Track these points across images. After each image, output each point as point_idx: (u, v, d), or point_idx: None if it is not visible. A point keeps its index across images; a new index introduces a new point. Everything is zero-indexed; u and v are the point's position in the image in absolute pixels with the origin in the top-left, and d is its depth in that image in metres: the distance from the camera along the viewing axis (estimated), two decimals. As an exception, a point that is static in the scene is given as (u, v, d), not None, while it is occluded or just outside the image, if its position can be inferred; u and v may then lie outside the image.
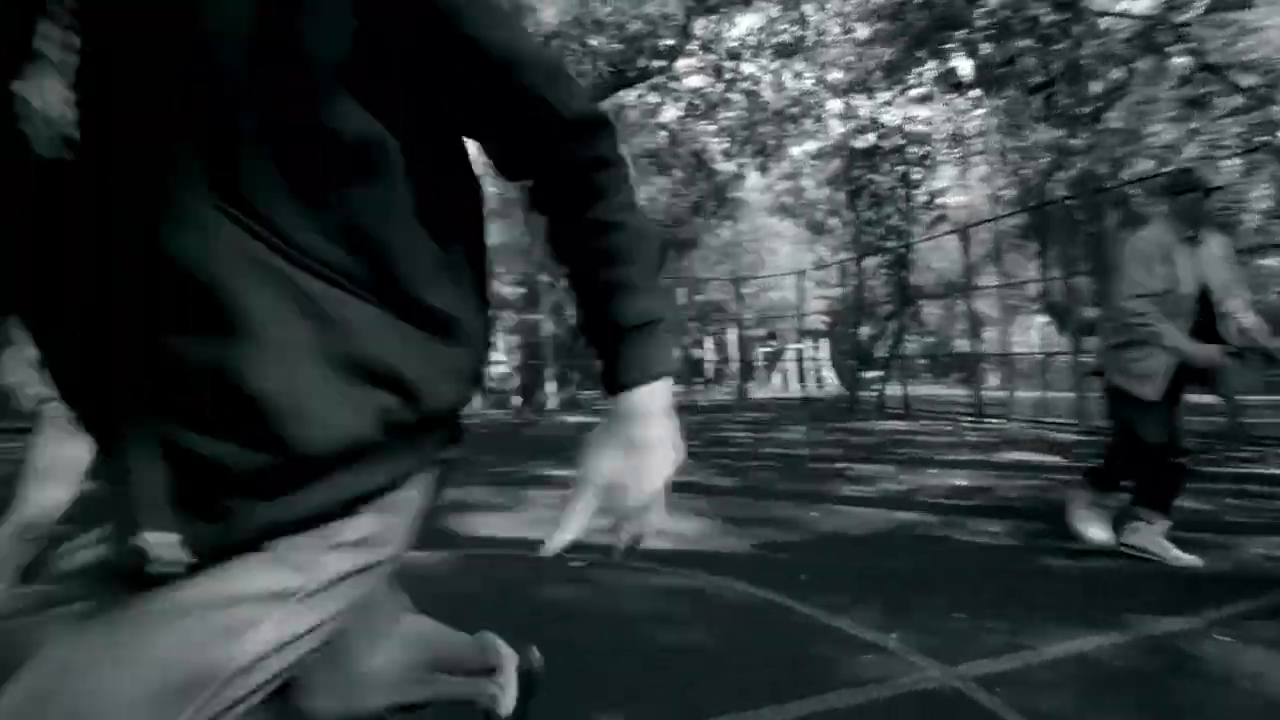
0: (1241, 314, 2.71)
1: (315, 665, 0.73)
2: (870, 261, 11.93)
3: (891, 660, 1.98)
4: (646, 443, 0.66)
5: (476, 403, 12.30)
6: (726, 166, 13.20)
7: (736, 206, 15.43)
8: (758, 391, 17.62)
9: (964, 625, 2.22)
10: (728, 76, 12.14)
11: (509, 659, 1.32)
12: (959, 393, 13.03)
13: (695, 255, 18.64)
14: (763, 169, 13.87)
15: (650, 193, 14.19)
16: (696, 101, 12.68)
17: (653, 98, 12.97)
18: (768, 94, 12.31)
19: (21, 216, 0.54)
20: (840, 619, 2.30)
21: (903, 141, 10.98)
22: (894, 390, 11.62)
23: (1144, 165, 9.62)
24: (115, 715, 0.49)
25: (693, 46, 11.95)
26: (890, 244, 11.44)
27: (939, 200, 11.61)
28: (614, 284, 0.64)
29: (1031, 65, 8.65)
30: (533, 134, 0.63)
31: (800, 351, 18.90)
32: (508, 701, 1.26)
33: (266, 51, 0.50)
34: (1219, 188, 2.79)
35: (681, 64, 12.30)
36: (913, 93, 10.38)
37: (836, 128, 12.31)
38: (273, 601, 0.56)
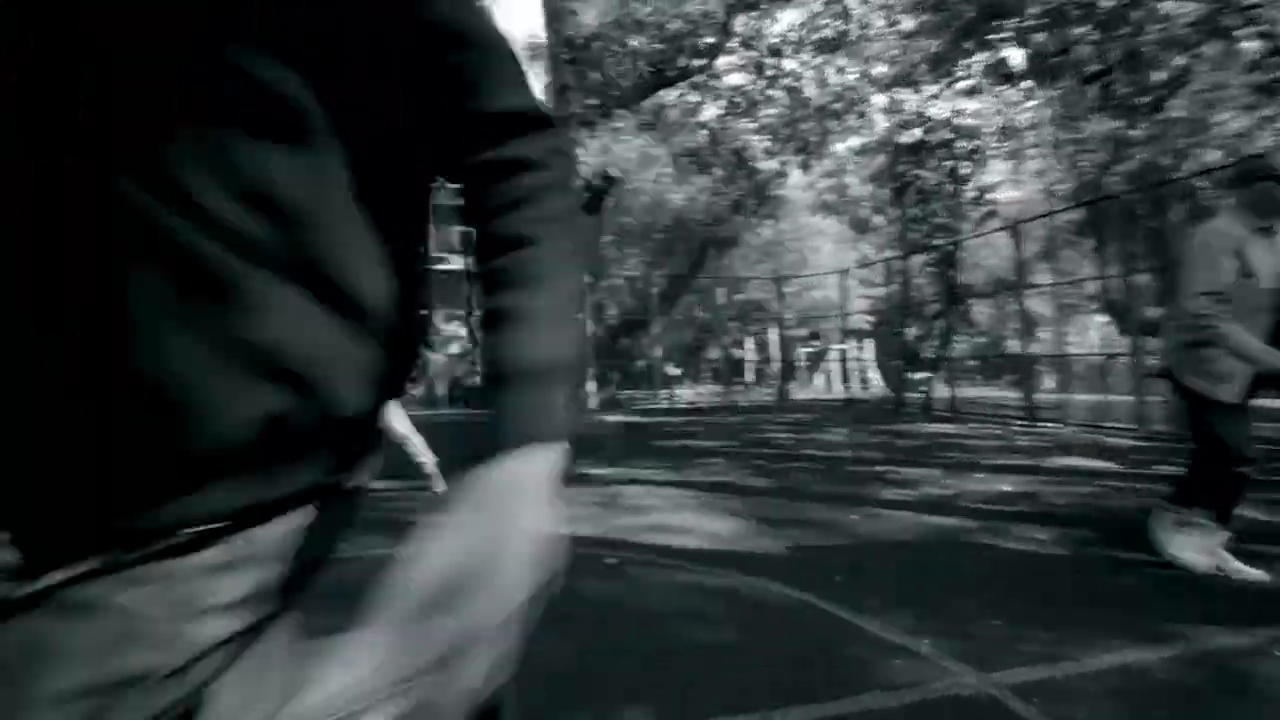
0: None
1: None
2: (916, 259, 11.64)
3: (924, 665, 1.95)
4: (503, 541, 0.46)
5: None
6: (768, 164, 13.07)
7: (778, 204, 15.26)
8: (800, 392, 17.38)
9: (1002, 632, 2.17)
10: (769, 73, 12.03)
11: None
12: (1011, 395, 12.59)
13: (736, 254, 18.50)
14: (804, 166, 13.69)
15: (690, 192, 14.17)
16: (737, 99, 12.60)
17: (693, 96, 12.94)
18: (810, 90, 12.14)
19: None
20: (873, 621, 2.27)
21: (950, 136, 10.67)
22: (941, 392, 11.31)
23: (1211, 156, 9.09)
24: None
25: (733, 44, 11.88)
26: (937, 241, 11.14)
27: (989, 196, 11.24)
28: (510, 314, 0.51)
29: (1087, 54, 8.28)
30: (453, 124, 0.54)
31: (844, 352, 18.56)
32: None
33: None
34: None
35: (722, 62, 12.25)
36: (960, 85, 10.07)
37: (880, 123, 12.06)
38: (116, 692, 0.43)
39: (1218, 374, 2.57)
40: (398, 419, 4.49)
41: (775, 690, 1.82)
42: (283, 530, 0.51)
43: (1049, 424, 8.67)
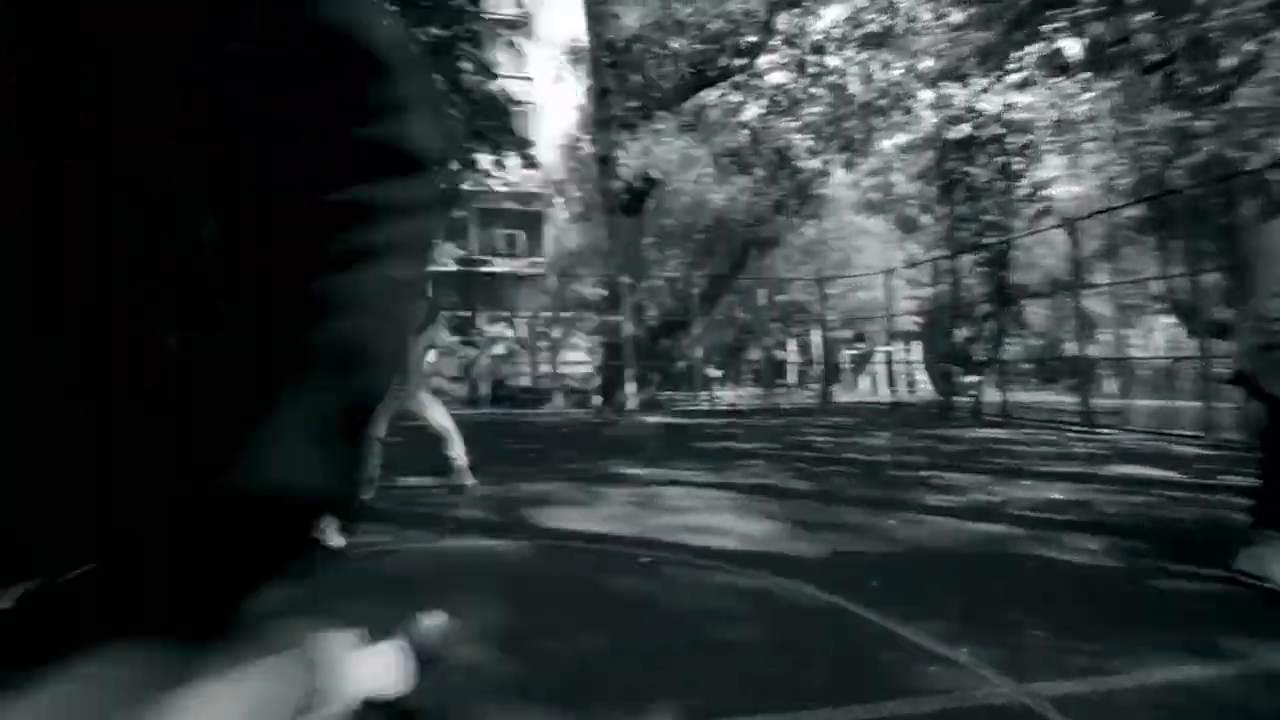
0: None
1: None
2: (966, 259, 11.29)
3: (959, 673, 1.91)
4: None
5: (559, 401, 12.68)
6: (810, 163, 12.89)
7: (821, 204, 15.01)
8: (844, 395, 17.06)
9: (1043, 643, 2.10)
10: (811, 71, 11.87)
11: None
12: (1068, 400, 12.09)
13: (778, 254, 18.28)
14: (848, 165, 13.45)
15: (731, 192, 14.09)
16: (779, 98, 12.47)
17: (734, 96, 12.87)
18: (854, 87, 11.92)
19: None
20: (909, 627, 2.23)
21: (1001, 130, 10.30)
22: (992, 396, 10.94)
23: (1287, 147, 8.53)
24: None
25: (775, 42, 11.77)
26: (988, 240, 10.78)
27: (1043, 192, 10.81)
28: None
29: (1148, 42, 7.87)
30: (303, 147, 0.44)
31: (890, 354, 18.12)
32: None
33: None
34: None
35: (763, 60, 12.14)
36: (1012, 78, 9.71)
37: (927, 119, 11.74)
38: None
39: None
40: (439, 413, 4.62)
41: (803, 690, 1.81)
42: None
43: (1108, 430, 8.29)
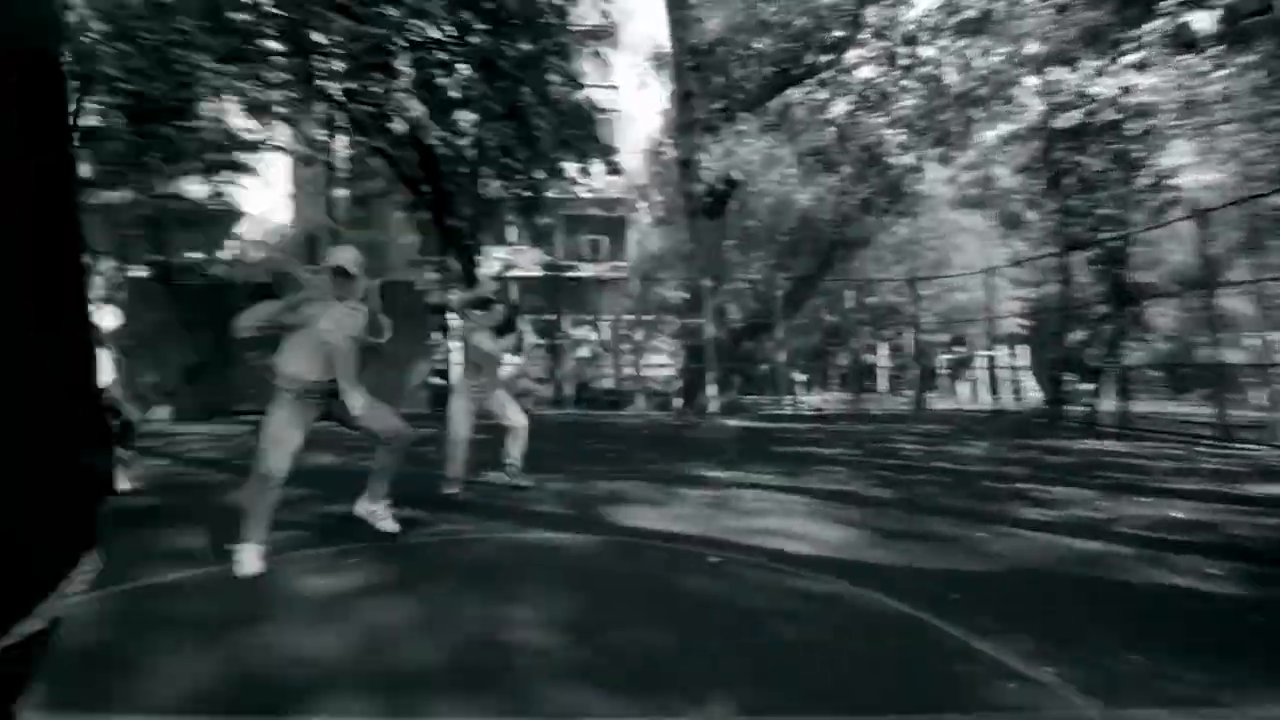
0: None
1: None
2: (1077, 256, 10.41)
3: (1041, 691, 1.79)
4: None
5: (640, 404, 12.81)
6: (902, 159, 12.33)
7: (914, 201, 14.31)
8: (940, 402, 16.19)
9: (1142, 669, 1.93)
10: (903, 63, 11.36)
11: None
12: (1202, 411, 10.88)
13: (867, 255, 17.59)
14: (944, 159, 12.75)
15: (817, 191, 13.72)
16: (868, 93, 12.03)
17: (820, 94, 12.54)
18: (950, 77, 11.30)
19: None
20: (989, 642, 2.12)
21: (1118, 116, 9.41)
22: (1110, 404, 10.02)
23: None
24: None
25: (864, 35, 11.37)
26: (1103, 235, 9.90)
27: (1169, 181, 9.78)
28: None
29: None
30: None
31: (992, 358, 16.99)
32: None
33: None
34: None
35: (851, 55, 11.75)
36: (1127, 59, 8.84)
37: (1033, 107, 10.91)
38: None
39: None
40: (515, 414, 4.80)
41: (869, 697, 1.76)
42: None
43: (1247, 445, 7.40)
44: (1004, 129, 12.26)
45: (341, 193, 15.29)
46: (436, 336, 11.30)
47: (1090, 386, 10.42)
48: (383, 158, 10.75)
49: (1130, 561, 3.06)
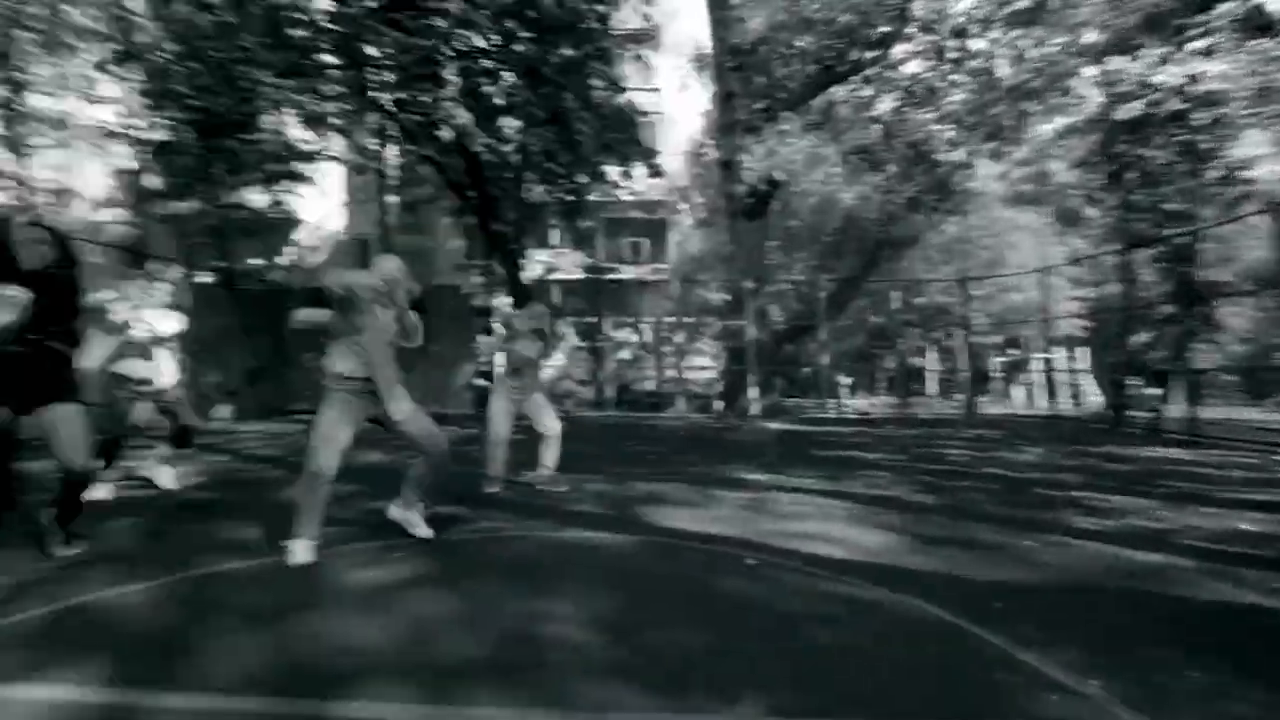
0: None
1: None
2: (1141, 253, 9.92)
3: (1086, 704, 1.73)
4: None
5: (681, 406, 12.79)
6: (951, 156, 11.98)
7: (964, 199, 13.88)
8: (993, 406, 15.66)
9: (1198, 687, 1.84)
10: (952, 56, 11.04)
11: None
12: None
13: (914, 254, 17.13)
14: (995, 155, 12.32)
15: (862, 190, 13.45)
16: (914, 89, 11.73)
17: (865, 91, 12.29)
18: (1002, 69, 10.92)
19: None
20: (1032, 653, 2.05)
21: (1184, 106, 8.92)
22: (1177, 410, 9.51)
23: None
24: None
25: (910, 30, 11.10)
26: (1169, 231, 9.41)
27: (1242, 173, 9.22)
28: None
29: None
30: None
31: (1049, 361, 16.33)
32: None
33: None
34: None
35: (897, 50, 11.48)
36: (1194, 45, 8.36)
37: (1092, 98, 10.44)
38: None
39: None
40: (549, 417, 4.87)
41: (905, 703, 1.74)
42: None
43: (1330, 453, 6.91)
44: (1060, 122, 11.77)
45: (392, 199, 15.78)
46: (481, 339, 11.54)
47: (1156, 391, 9.92)
48: (431, 165, 11.05)
49: (1192, 574, 2.91)
